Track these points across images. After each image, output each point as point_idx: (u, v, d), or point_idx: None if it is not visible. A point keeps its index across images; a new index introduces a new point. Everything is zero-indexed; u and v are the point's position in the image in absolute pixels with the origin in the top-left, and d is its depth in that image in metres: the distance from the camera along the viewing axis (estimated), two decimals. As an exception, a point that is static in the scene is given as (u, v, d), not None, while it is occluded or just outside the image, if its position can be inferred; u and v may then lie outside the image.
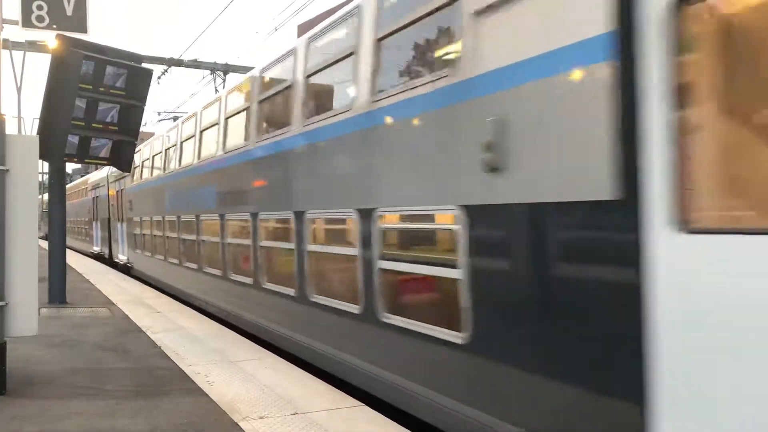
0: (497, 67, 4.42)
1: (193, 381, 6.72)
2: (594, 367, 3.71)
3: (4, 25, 10.15)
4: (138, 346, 8.54)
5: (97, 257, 25.75)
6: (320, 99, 7.44)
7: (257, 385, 6.55)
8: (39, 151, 6.49)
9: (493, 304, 4.56)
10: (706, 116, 3.28)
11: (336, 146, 6.80)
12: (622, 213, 3.48)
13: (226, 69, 21.44)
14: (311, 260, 7.47)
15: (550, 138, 3.99)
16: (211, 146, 11.21)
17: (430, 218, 5.48)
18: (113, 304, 12.60)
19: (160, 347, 8.43)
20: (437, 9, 5.10)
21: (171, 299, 13.55)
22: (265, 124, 8.93)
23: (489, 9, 4.45)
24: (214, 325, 10.32)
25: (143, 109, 12.62)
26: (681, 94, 3.25)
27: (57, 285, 12.38)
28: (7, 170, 6.11)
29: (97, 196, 25.45)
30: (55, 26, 11.55)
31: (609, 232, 3.65)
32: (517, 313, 4.35)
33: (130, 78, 12.11)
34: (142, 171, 16.89)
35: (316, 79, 7.42)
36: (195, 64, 21.36)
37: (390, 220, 5.94)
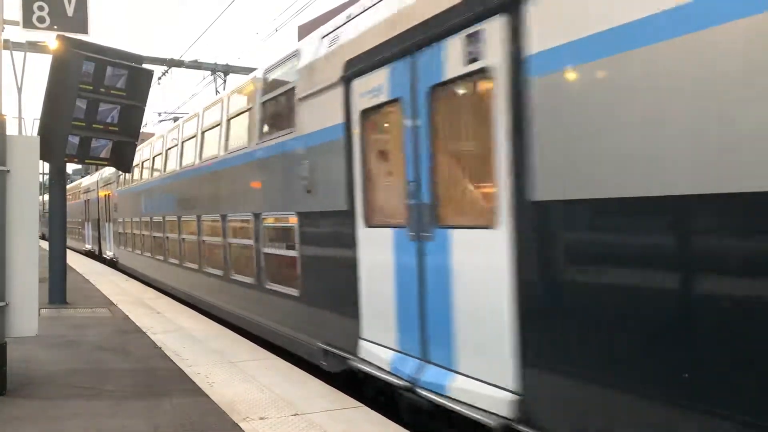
0: (308, 132, 7.53)
1: (193, 381, 6.73)
2: (343, 303, 6.69)
3: (4, 25, 10.16)
4: (138, 346, 8.55)
5: (89, 254, 26.64)
6: (235, 136, 10.41)
7: (257, 386, 6.56)
8: (39, 152, 6.50)
9: (307, 270, 7.67)
10: (370, 168, 6.24)
11: (241, 170, 9.90)
12: (348, 217, 6.51)
13: (227, 70, 21.44)
14: (231, 250, 10.58)
15: (326, 175, 7.09)
16: (172, 163, 14.38)
17: (285, 219, 8.42)
18: (113, 304, 12.61)
19: (160, 348, 8.44)
20: (286, 92, 8.31)
21: (171, 300, 13.58)
22: (205, 149, 11.92)
23: (303, 98, 7.62)
24: (215, 325, 10.34)
25: (144, 109, 12.64)
26: (364, 157, 6.26)
27: (57, 285, 12.39)
28: (8, 171, 6.12)
29: (88, 199, 27.28)
30: (55, 27, 11.57)
31: (344, 227, 6.60)
32: (315, 274, 7.51)
33: (131, 79, 12.12)
34: (125, 178, 19.29)
35: (234, 121, 10.48)
36: (195, 65, 21.36)
37: (268, 220, 9.01)
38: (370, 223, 6.22)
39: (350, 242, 6.48)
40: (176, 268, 13.87)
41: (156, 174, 15.70)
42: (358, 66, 6.34)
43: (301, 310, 7.86)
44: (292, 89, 8.00)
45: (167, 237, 14.52)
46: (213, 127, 11.34)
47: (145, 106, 12.59)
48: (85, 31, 11.87)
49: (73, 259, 22.11)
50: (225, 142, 10.61)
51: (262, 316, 9.20)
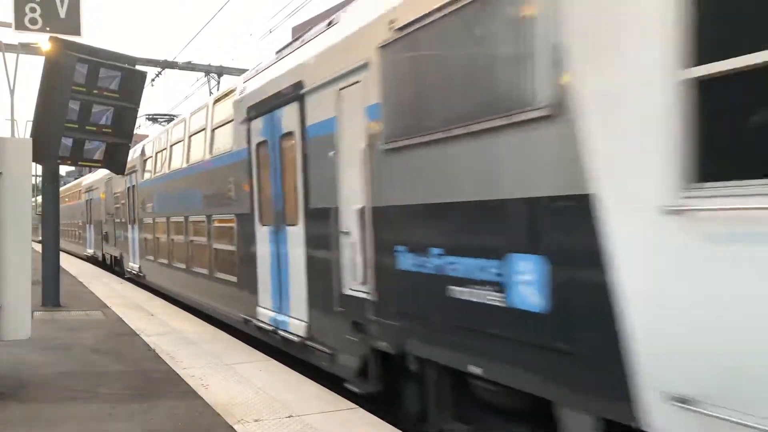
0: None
1: (187, 384, 6.70)
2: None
3: (-3, 27, 10.11)
4: (132, 349, 8.52)
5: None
6: (73, 196, 31.45)
7: (252, 388, 6.54)
8: (32, 154, 6.48)
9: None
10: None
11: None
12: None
13: (221, 71, 21.39)
14: (77, 231, 30.11)
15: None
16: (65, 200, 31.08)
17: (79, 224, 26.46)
18: (107, 307, 12.56)
19: (154, 350, 8.41)
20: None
21: (165, 302, 13.54)
22: (66, 199, 31.21)
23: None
24: (209, 327, 10.30)
25: (137, 111, 12.60)
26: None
27: (51, 288, 12.32)
28: (0, 173, 6.09)
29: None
30: (48, 29, 11.53)
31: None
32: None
33: (124, 80, 12.07)
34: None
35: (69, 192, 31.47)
36: (189, 67, 21.29)
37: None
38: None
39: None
40: (68, 243, 30.43)
41: (65, 203, 31.22)
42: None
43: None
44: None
45: (67, 230, 30.70)
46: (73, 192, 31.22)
47: (139, 107, 12.55)
48: (77, 32, 11.83)
49: (67, 262, 22.11)
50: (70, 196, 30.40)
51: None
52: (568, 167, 3.59)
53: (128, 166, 13.66)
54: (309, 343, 7.00)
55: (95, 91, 11.67)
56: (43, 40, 11.73)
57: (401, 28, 4.98)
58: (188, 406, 5.88)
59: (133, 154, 15.48)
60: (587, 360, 3.56)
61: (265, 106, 7.85)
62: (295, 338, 7.30)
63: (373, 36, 5.38)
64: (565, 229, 3.67)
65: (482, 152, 4.27)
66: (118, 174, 16.59)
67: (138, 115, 12.83)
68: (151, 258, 14.76)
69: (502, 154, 4.11)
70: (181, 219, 12.11)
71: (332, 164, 6.23)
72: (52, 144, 11.41)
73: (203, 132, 10.89)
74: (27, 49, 16.01)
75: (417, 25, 4.79)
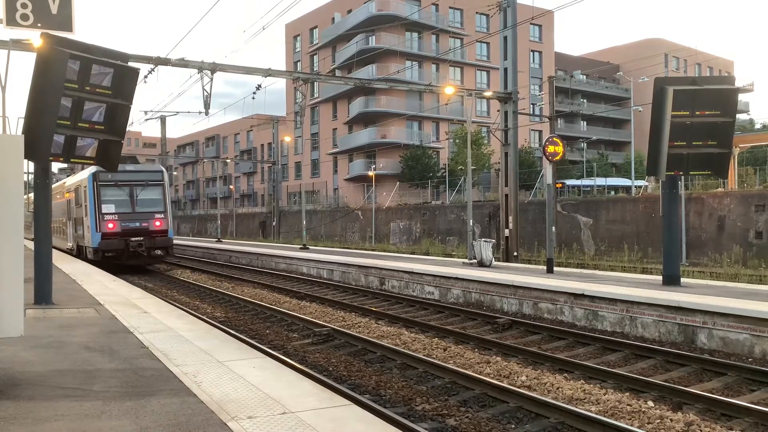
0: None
1: (180, 381, 6.69)
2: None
3: (-13, 23, 10.05)
4: (125, 346, 8.50)
5: None
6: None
7: (245, 385, 6.54)
8: (24, 151, 6.44)
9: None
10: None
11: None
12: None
13: (214, 68, 21.29)
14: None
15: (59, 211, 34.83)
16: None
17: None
18: (100, 304, 12.52)
19: (147, 347, 8.39)
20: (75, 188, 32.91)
21: (159, 300, 13.50)
22: None
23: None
24: (203, 325, 10.30)
25: (130, 108, 12.52)
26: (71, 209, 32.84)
27: (43, 285, 12.28)
28: (-8, 170, 6.07)
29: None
30: (39, 25, 11.47)
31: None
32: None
33: (117, 77, 11.99)
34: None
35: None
36: (182, 63, 21.19)
37: (54, 220, 31.54)
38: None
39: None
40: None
41: None
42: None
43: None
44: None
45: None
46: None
47: (131, 104, 12.48)
48: (69, 29, 11.77)
49: (59, 259, 22.06)
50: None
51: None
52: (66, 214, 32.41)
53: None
54: (72, 249, 30.19)
55: (87, 88, 11.58)
56: (35, 37, 11.67)
57: (69, 187, 31.97)
58: (181, 404, 5.88)
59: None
60: (81, 237, 28.64)
61: (76, 187, 29.04)
62: (70, 249, 30.66)
63: (71, 186, 31.50)
64: (82, 222, 28.38)
65: (76, 211, 30.02)
66: (110, 171, 16.57)
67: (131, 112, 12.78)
68: (56, 235, 31.17)
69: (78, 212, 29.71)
70: (61, 219, 32.51)
71: (79, 207, 28.59)
72: (44, 141, 11.34)
73: (67, 189, 31.42)
74: (18, 45, 15.93)
75: (74, 187, 30.33)
